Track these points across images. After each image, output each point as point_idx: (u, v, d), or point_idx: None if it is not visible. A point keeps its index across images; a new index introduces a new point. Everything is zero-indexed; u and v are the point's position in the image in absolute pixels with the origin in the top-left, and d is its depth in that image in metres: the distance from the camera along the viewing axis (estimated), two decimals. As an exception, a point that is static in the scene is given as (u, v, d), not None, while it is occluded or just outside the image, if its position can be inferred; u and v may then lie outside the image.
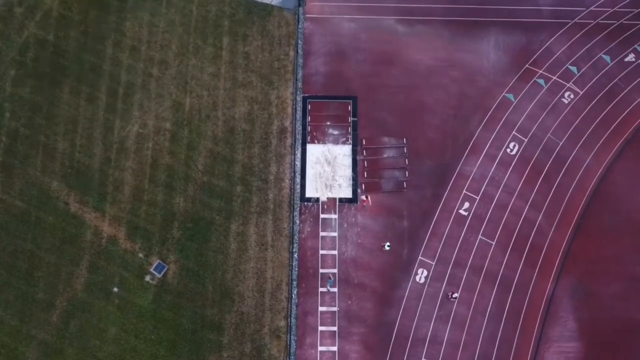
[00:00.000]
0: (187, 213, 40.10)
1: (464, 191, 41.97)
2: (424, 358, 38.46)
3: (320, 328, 38.78)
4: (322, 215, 41.00)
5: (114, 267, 38.62)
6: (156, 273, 38.64)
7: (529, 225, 41.67)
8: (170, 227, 39.71)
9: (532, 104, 44.33)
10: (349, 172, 42.01)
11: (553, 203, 42.26)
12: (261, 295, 38.91)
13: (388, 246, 39.75)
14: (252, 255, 39.65)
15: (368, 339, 38.61)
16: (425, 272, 40.08)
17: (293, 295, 38.96)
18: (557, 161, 43.25)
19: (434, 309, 39.37)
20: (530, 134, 43.61)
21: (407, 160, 42.44)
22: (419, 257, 40.31)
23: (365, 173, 42.10)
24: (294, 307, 38.73)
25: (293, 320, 38.45)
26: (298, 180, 41.37)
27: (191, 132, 42.03)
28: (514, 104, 44.32)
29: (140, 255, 39.00)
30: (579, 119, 44.37)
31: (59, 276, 38.17)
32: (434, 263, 40.31)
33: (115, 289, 38.17)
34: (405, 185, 41.90)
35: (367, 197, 40.49)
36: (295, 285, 39.17)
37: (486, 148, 43.11)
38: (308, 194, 41.30)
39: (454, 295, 38.99)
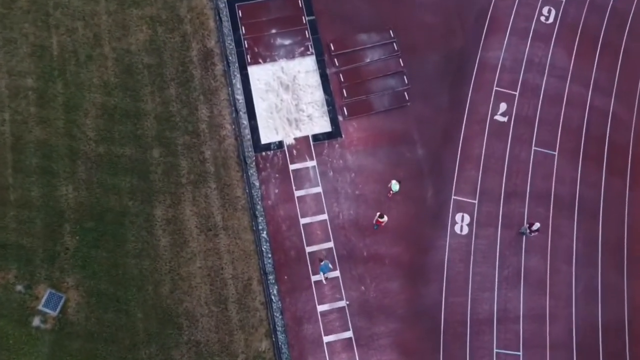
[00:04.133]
0: (83, 207, 25.40)
1: (495, 87, 28.07)
2: (497, 349, 24.41)
3: (326, 338, 24.46)
4: (292, 166, 26.53)
5: (-23, 316, 23.86)
6: (49, 310, 24.02)
7: (600, 116, 28.09)
8: (59, 234, 25.01)
9: (559, -51, 30.68)
10: (319, 94, 27.62)
11: (624, 78, 29.05)
12: (222, 309, 24.41)
13: (397, 183, 25.37)
14: (196, 249, 25.11)
15: (404, 337, 24.42)
16: (467, 218, 26.02)
17: (273, 298, 24.52)
18: (615, 19, 29.94)
19: (493, 270, 25.44)
20: (567, -10, 29.99)
21: (401, 61, 28.22)
22: (453, 197, 26.24)
23: (344, 91, 27.69)
24: (277, 314, 24.28)
25: (281, 336, 24.01)
26: (245, 121, 26.89)
27: (67, 85, 27.21)
28: (533, -46, 30.49)
29: (19, 287, 24.26)
30: (628, -43, 30.90)
31: None
32: (476, 201, 26.31)
33: (-14, 351, 23.50)
34: (407, 97, 27.70)
35: (382, 218, 24.87)
36: (272, 281, 24.72)
37: (511, 21, 29.32)
38: (265, 140, 26.83)
39: (534, 228, 24.77)
